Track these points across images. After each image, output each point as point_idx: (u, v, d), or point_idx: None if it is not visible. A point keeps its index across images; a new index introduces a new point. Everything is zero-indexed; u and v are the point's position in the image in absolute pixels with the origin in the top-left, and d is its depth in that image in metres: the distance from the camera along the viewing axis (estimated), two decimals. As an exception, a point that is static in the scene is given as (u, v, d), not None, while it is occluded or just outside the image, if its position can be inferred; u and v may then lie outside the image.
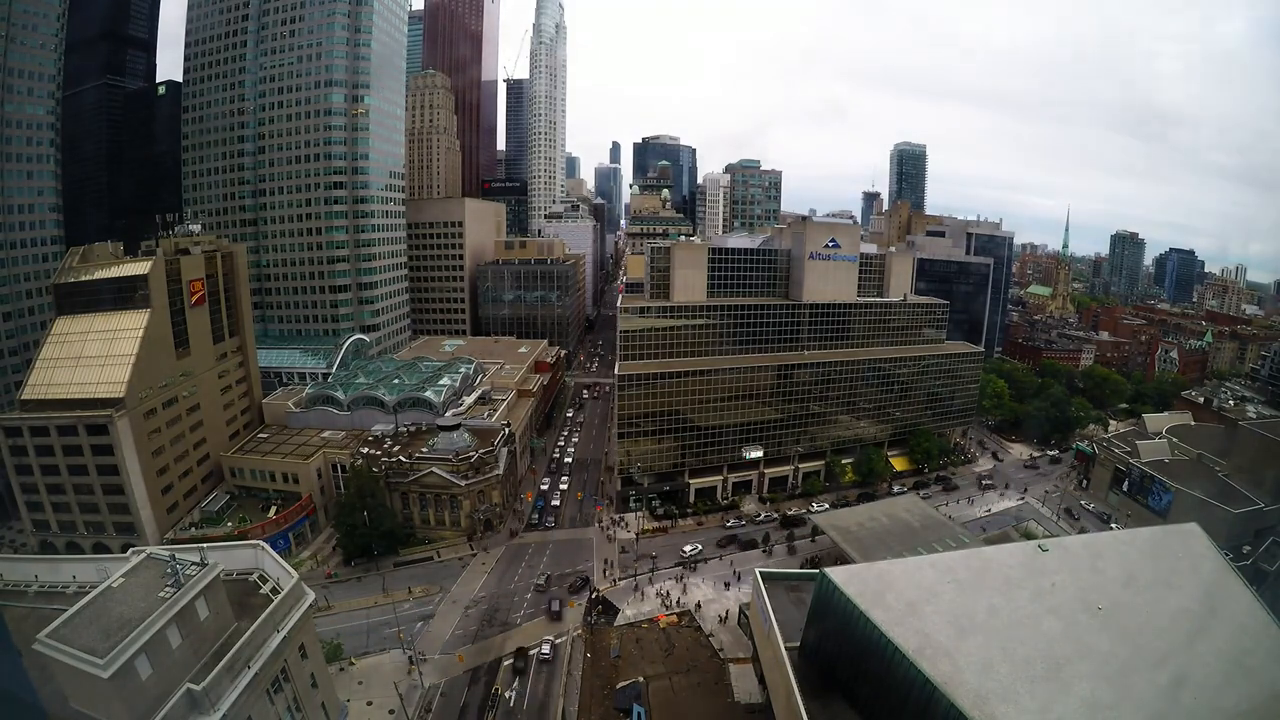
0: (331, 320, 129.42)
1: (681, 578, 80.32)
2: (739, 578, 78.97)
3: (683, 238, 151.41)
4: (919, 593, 43.87)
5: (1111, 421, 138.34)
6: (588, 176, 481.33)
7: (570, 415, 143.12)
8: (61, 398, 78.35)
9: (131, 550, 41.70)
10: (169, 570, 37.61)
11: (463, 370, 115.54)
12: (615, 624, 71.57)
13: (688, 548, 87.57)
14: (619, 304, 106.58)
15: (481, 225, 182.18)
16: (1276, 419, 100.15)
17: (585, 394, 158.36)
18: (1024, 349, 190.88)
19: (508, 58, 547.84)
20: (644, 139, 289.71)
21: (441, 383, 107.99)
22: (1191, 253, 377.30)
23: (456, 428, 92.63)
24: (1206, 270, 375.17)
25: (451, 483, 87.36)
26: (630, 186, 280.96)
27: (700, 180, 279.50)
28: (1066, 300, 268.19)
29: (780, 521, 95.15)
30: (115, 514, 79.82)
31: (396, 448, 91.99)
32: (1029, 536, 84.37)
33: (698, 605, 74.00)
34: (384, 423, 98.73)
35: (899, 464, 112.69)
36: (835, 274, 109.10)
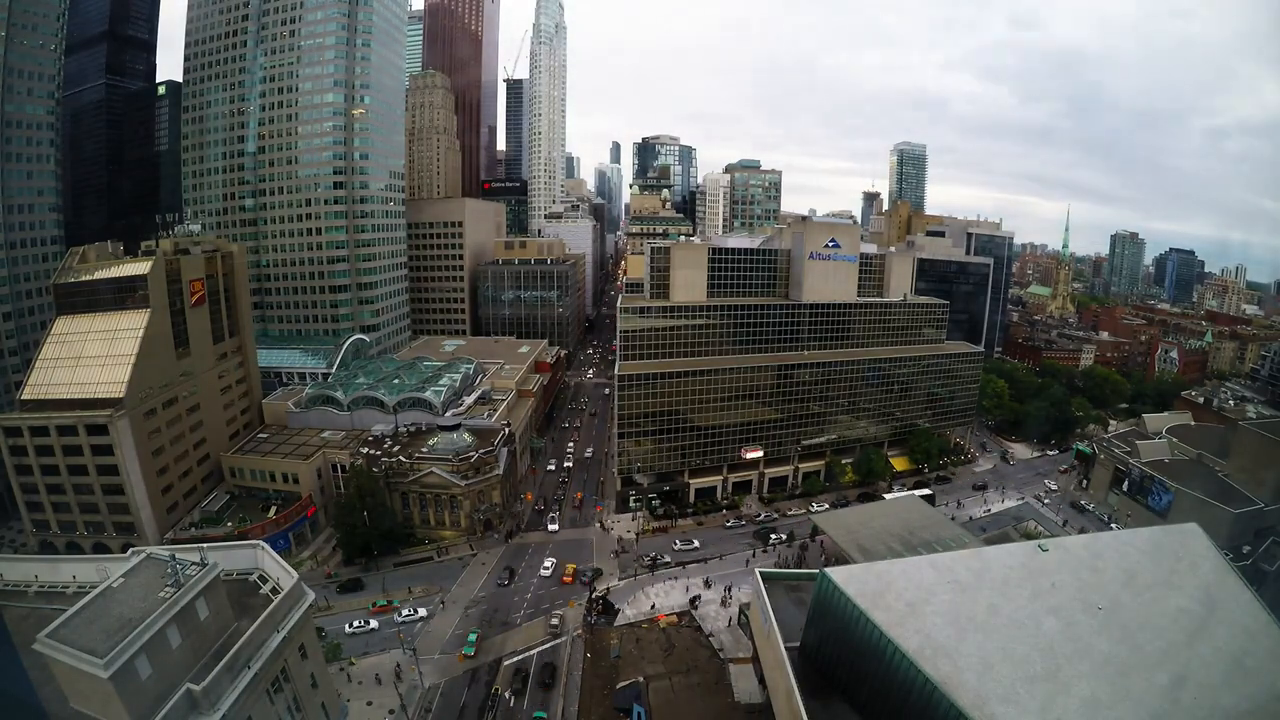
0: (331, 320, 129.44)
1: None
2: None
3: (682, 238, 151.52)
4: (919, 593, 43.84)
5: (1111, 421, 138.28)
6: (588, 176, 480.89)
7: (570, 415, 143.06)
8: (61, 398, 78.53)
9: (131, 550, 41.61)
10: (169, 570, 37.51)
11: (463, 370, 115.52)
12: (615, 624, 71.56)
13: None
14: (619, 304, 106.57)
15: (481, 225, 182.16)
16: (1276, 419, 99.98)
17: (585, 394, 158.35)
18: (1024, 349, 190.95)
19: (508, 58, 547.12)
20: (644, 139, 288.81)
21: (441, 383, 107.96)
22: (1191, 253, 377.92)
23: (456, 428, 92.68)
24: (1206, 270, 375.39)
25: (451, 483, 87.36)
26: (630, 186, 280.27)
27: (700, 180, 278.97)
28: (1066, 300, 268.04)
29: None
30: (115, 514, 79.92)
31: (396, 448, 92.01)
32: (1029, 536, 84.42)
33: (696, 605, 73.95)
34: (384, 423, 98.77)
35: (899, 464, 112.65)
36: (835, 274, 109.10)
